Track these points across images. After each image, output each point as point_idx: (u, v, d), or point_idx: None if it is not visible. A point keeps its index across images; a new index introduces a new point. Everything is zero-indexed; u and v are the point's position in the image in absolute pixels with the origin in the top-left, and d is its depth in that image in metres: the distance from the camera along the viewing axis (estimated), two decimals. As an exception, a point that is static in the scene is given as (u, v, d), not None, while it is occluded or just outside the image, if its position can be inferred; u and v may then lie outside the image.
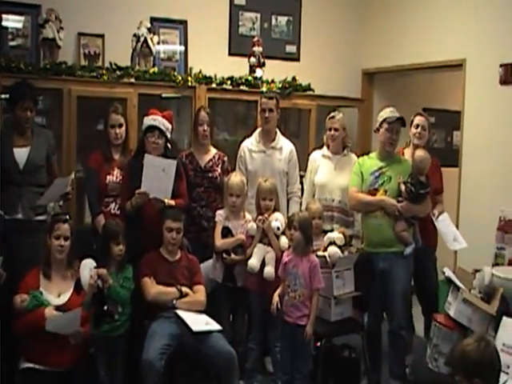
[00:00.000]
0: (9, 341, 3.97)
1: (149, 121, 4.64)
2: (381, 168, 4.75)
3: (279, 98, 5.46)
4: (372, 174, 4.76)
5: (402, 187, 4.64)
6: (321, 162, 5.33)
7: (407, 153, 5.16)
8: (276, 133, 5.43)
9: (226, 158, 5.27)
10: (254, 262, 4.63)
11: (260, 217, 4.73)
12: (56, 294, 4.07)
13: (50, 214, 4.66)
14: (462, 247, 4.92)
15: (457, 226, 5.30)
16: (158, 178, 4.48)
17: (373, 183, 4.75)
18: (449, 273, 4.31)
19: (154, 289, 4.32)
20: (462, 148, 5.69)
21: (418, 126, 5.14)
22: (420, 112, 5.38)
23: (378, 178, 4.75)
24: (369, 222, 4.78)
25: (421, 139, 5.14)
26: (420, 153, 4.77)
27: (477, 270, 4.37)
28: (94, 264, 4.19)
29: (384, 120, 4.75)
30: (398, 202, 4.65)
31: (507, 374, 3.54)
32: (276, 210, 4.83)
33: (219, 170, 5.16)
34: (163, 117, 4.66)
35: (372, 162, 4.84)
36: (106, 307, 4.12)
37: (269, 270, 4.58)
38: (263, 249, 4.70)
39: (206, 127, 5.13)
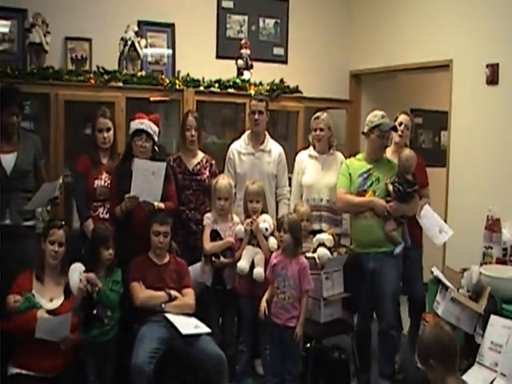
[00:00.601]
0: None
1: (136, 124, 4.62)
2: (369, 170, 4.78)
3: (268, 100, 5.47)
4: (360, 176, 4.79)
5: (390, 187, 4.66)
6: (307, 163, 5.35)
7: (389, 151, 5.20)
8: (265, 135, 5.43)
9: (213, 162, 5.26)
10: (243, 264, 4.63)
11: (248, 220, 4.74)
12: (48, 298, 4.07)
13: (38, 219, 4.66)
14: (450, 236, 4.94)
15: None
16: (148, 181, 4.47)
17: (361, 185, 4.77)
18: (437, 272, 4.32)
19: (142, 293, 4.31)
20: (450, 148, 5.71)
21: (401, 124, 5.20)
22: (405, 111, 5.42)
23: (366, 179, 4.77)
24: (358, 223, 4.79)
25: (402, 138, 5.20)
26: (406, 151, 4.81)
27: (465, 269, 4.39)
28: (83, 268, 4.19)
29: (376, 126, 4.76)
30: (387, 202, 4.67)
31: (495, 371, 3.57)
32: (264, 212, 4.83)
33: (207, 173, 5.15)
34: (150, 120, 4.65)
35: (360, 164, 4.86)
36: (95, 311, 4.12)
37: (258, 271, 4.58)
38: (252, 250, 4.70)
39: (193, 132, 5.12)
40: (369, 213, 4.71)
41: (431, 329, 3.17)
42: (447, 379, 3.05)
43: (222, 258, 4.70)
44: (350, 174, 4.83)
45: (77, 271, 4.15)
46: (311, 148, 5.39)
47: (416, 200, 4.79)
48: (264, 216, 4.77)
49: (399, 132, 5.16)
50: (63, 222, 4.27)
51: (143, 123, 4.60)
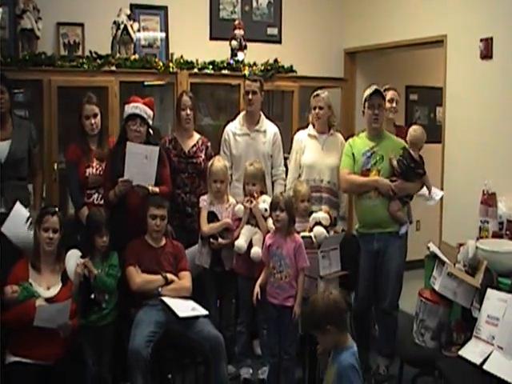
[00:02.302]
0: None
1: (130, 109, 4.59)
2: (372, 148, 4.76)
3: (263, 80, 5.45)
4: (364, 155, 4.77)
5: (394, 162, 4.67)
6: (307, 142, 5.29)
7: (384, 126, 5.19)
8: (260, 116, 5.41)
9: (209, 144, 5.25)
10: (241, 242, 4.63)
11: (247, 197, 4.74)
12: (45, 286, 4.04)
13: (33, 206, 4.66)
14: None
15: (441, 201, 5.34)
16: (141, 165, 4.46)
17: (365, 164, 4.76)
18: (433, 248, 4.32)
19: (139, 278, 4.32)
20: (445, 124, 5.69)
21: (392, 100, 5.23)
22: (389, 86, 5.47)
23: (369, 158, 4.76)
24: (363, 203, 4.79)
25: (395, 113, 5.25)
26: (415, 126, 4.86)
27: (461, 244, 4.38)
28: (80, 254, 4.20)
29: (365, 100, 4.77)
30: (392, 181, 4.66)
31: (492, 344, 3.58)
32: (263, 193, 4.83)
33: (203, 156, 5.14)
34: (144, 104, 4.61)
35: (362, 142, 4.84)
36: (92, 296, 4.14)
37: (256, 250, 4.56)
38: (251, 230, 4.70)
39: (188, 111, 5.10)
40: (373, 193, 4.71)
41: (322, 297, 3.38)
42: (342, 338, 3.32)
43: (220, 239, 4.70)
44: (353, 154, 4.81)
45: (73, 257, 4.17)
46: (310, 127, 5.33)
47: (421, 180, 4.80)
48: (264, 197, 4.76)
49: (391, 108, 5.21)
50: (57, 209, 4.23)
51: (137, 107, 4.57)
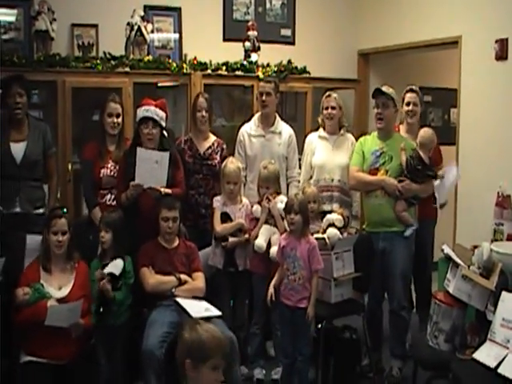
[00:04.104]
0: (8, 335, 3.97)
1: (141, 112, 4.59)
2: (382, 148, 4.76)
3: (278, 82, 5.45)
4: (373, 154, 4.78)
5: (403, 158, 4.66)
6: (318, 144, 5.31)
7: (402, 130, 5.19)
8: (275, 117, 5.42)
9: (224, 146, 5.25)
10: (261, 242, 4.63)
11: (265, 196, 4.75)
12: (56, 286, 4.06)
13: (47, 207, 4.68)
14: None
15: (455, 203, 5.31)
16: (152, 169, 4.46)
17: (373, 163, 4.76)
18: (448, 250, 4.29)
19: (152, 279, 4.32)
20: (459, 125, 5.68)
21: (409, 104, 5.17)
22: (411, 88, 5.32)
23: (378, 157, 4.76)
24: (369, 201, 4.80)
25: (414, 116, 5.17)
26: (424, 128, 4.83)
27: (475, 247, 4.34)
28: (122, 263, 4.23)
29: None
30: (399, 182, 4.65)
31: (507, 348, 3.55)
32: (279, 193, 4.84)
33: (218, 158, 5.13)
34: (156, 106, 4.61)
35: (373, 141, 4.85)
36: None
37: (275, 250, 4.53)
38: (270, 230, 4.71)
39: (204, 113, 5.11)
40: (380, 192, 4.71)
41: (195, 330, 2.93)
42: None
43: (231, 238, 4.71)
44: (363, 152, 4.82)
45: (118, 268, 4.20)
46: (321, 129, 5.35)
47: (430, 182, 4.77)
48: (281, 197, 4.77)
49: (408, 111, 5.16)
50: (65, 210, 4.25)
51: (148, 110, 4.56)
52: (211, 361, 2.84)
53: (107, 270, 4.15)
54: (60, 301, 3.97)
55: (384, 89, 4.76)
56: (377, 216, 4.75)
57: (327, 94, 5.30)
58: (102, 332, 4.14)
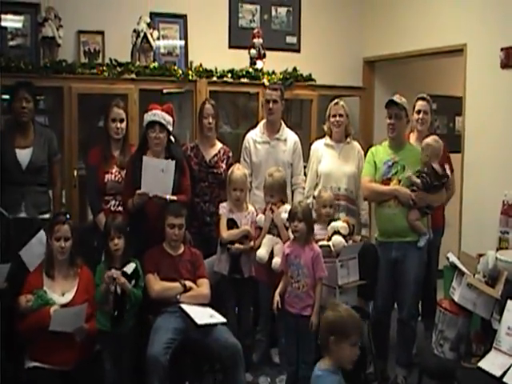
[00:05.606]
0: (13, 341, 3.98)
1: (149, 116, 4.60)
2: (393, 157, 4.75)
3: (283, 89, 5.46)
4: (385, 164, 4.76)
5: (415, 179, 4.62)
6: (324, 152, 5.32)
7: (412, 138, 5.19)
8: (281, 124, 5.43)
9: (231, 154, 5.25)
10: (262, 253, 4.64)
11: (269, 206, 4.75)
12: (60, 292, 4.06)
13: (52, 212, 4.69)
14: None
15: (460, 211, 5.30)
16: (157, 177, 4.45)
17: (386, 173, 4.74)
18: (453, 258, 4.29)
19: (157, 285, 4.32)
20: (465, 133, 5.67)
21: (419, 112, 5.16)
22: (422, 96, 5.32)
23: (391, 167, 4.74)
24: (382, 211, 4.77)
25: (423, 124, 5.16)
26: (426, 139, 4.79)
27: (481, 255, 4.34)
28: (134, 265, 4.23)
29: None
30: (412, 191, 4.64)
31: (513, 356, 3.55)
32: (284, 202, 4.84)
33: (224, 166, 5.13)
34: (163, 110, 4.62)
35: (384, 151, 4.83)
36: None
37: (277, 261, 4.57)
38: (272, 240, 4.71)
39: (210, 120, 5.12)
40: (393, 201, 4.69)
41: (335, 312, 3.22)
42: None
43: (237, 244, 4.70)
44: (374, 162, 4.81)
45: (130, 269, 4.19)
46: (327, 137, 5.35)
47: (443, 191, 4.77)
48: (285, 206, 4.76)
49: (418, 120, 5.15)
50: (67, 216, 4.23)
51: (156, 114, 4.58)
52: (351, 338, 3.14)
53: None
54: (63, 307, 3.97)
55: (397, 99, 4.74)
56: (390, 226, 4.73)
57: (335, 101, 5.31)
58: (107, 338, 4.12)
